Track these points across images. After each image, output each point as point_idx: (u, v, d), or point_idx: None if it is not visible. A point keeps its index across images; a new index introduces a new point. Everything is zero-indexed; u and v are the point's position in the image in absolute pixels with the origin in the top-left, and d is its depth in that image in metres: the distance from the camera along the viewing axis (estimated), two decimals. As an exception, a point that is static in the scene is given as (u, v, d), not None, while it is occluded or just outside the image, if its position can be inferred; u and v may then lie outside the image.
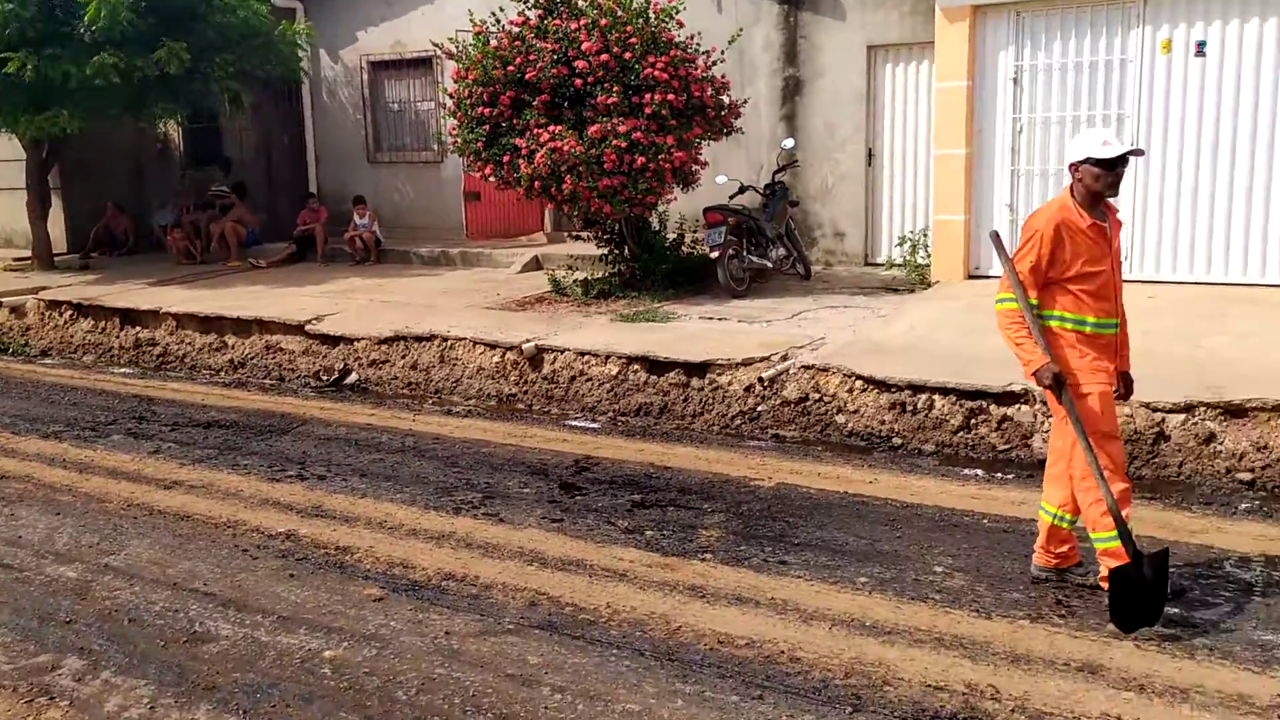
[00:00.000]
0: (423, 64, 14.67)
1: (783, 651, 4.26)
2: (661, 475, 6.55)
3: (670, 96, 9.72)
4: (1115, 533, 4.38)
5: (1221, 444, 6.30)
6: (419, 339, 9.35)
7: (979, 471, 6.44)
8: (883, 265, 11.42)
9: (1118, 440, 4.54)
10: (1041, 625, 4.40)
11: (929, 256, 10.51)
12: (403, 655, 4.38)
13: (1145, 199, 9.43)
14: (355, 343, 9.62)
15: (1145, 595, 4.26)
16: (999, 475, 6.33)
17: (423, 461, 6.99)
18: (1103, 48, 9.44)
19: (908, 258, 10.85)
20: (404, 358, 9.29)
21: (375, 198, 14.85)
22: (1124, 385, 4.70)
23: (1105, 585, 4.47)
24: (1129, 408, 6.54)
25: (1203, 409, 6.46)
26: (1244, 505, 5.77)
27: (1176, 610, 4.48)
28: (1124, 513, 4.39)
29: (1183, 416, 6.46)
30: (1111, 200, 4.56)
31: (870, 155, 11.57)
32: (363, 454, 7.22)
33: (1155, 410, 6.53)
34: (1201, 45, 9.03)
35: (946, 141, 10.05)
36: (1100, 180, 4.39)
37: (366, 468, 6.89)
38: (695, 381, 7.98)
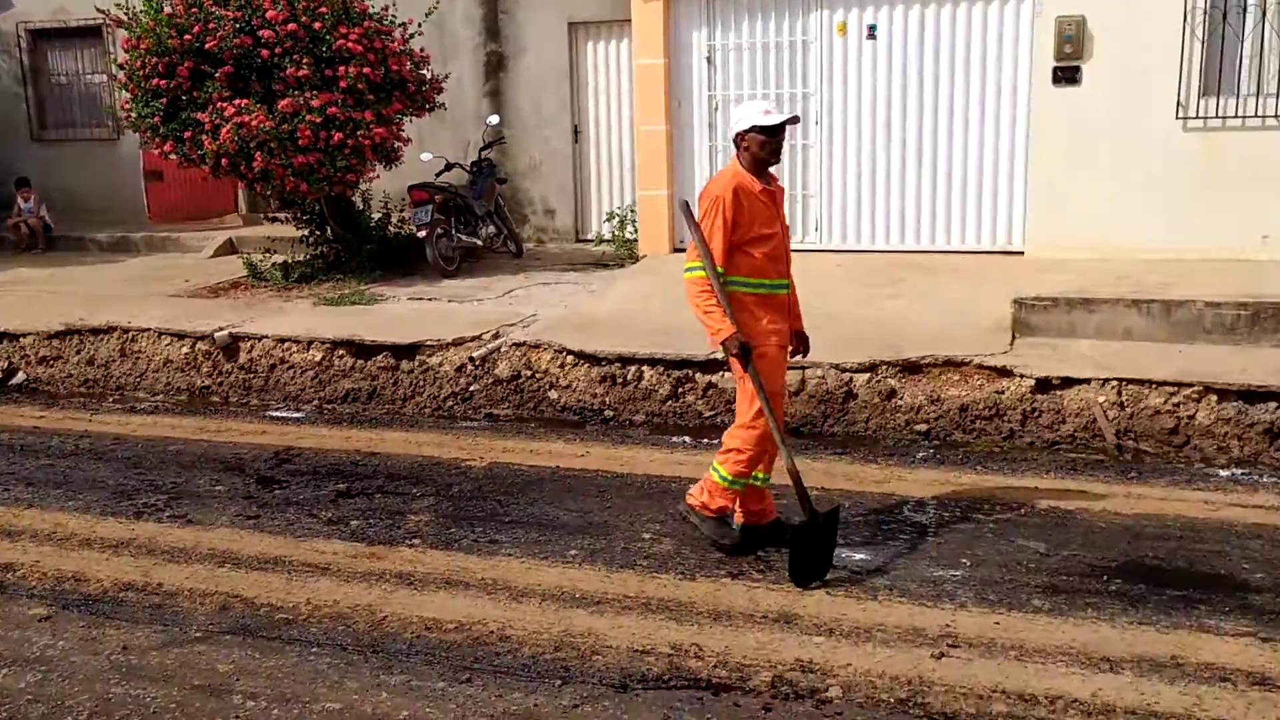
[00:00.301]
0: (91, 33, 13.39)
1: (492, 631, 4.19)
2: (369, 462, 6.30)
3: (366, 70, 9.36)
4: (740, 482, 4.71)
5: (901, 399, 6.77)
6: (96, 332, 8.54)
7: (687, 438, 6.62)
8: (593, 241, 11.55)
9: (782, 397, 4.84)
10: (742, 581, 4.56)
11: (637, 232, 10.71)
12: (73, 677, 3.96)
13: (830, 173, 10.01)
14: (21, 339, 8.66)
15: (819, 550, 4.52)
16: (705, 440, 6.52)
17: (100, 465, 6.38)
18: (786, 29, 9.92)
19: (617, 233, 11.02)
20: (79, 353, 8.46)
21: (43, 180, 13.43)
22: (801, 343, 4.95)
23: (689, 503, 4.84)
24: (821, 370, 6.92)
25: (884, 367, 6.93)
26: (921, 454, 6.23)
27: (862, 556, 4.77)
28: (760, 468, 4.77)
29: (868, 375, 6.90)
30: (772, 169, 4.78)
31: (577, 132, 11.64)
32: (28, 460, 6.50)
33: (844, 370, 6.94)
34: (873, 29, 9.66)
35: (647, 118, 10.26)
36: (765, 147, 4.60)
37: (33, 475, 6.21)
38: (405, 364, 7.75)
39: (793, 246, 10.28)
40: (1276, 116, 8.57)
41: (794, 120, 4.72)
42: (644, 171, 10.38)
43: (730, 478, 4.72)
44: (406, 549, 5.03)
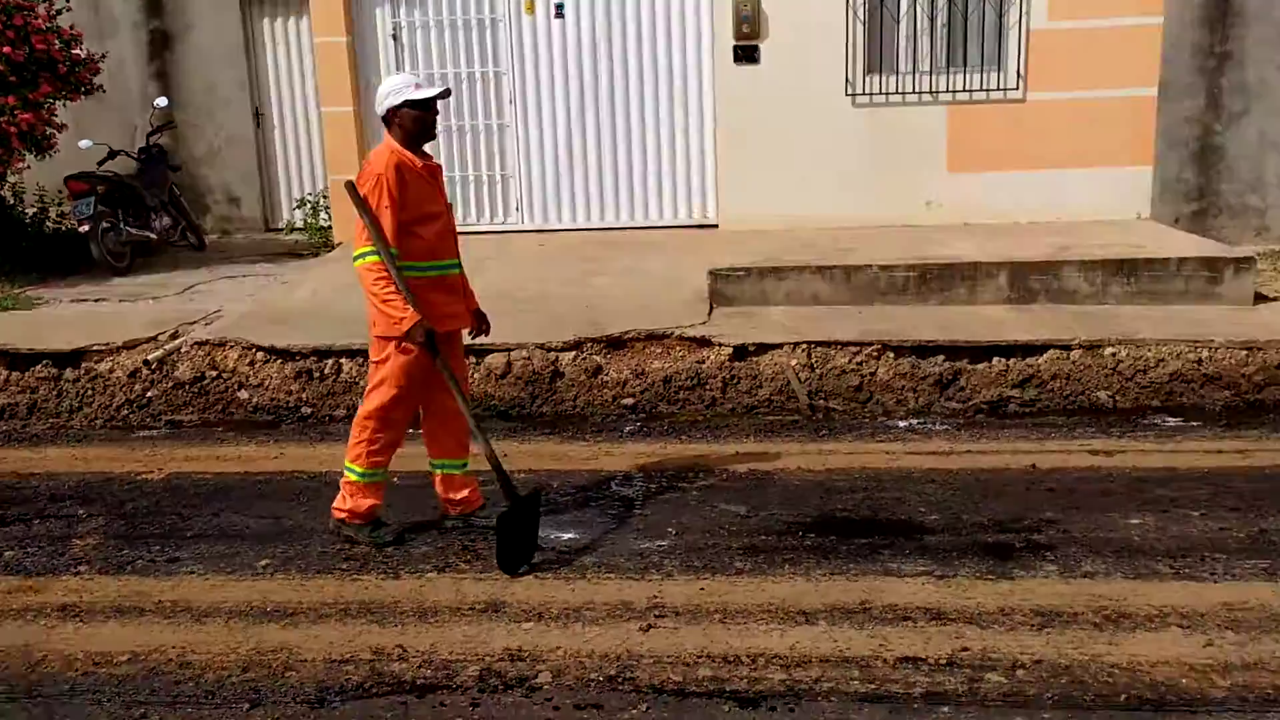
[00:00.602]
0: None
1: (171, 659, 3.81)
2: (26, 485, 5.62)
3: (6, 49, 8.38)
4: (378, 474, 4.61)
5: (608, 375, 6.80)
6: None
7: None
8: (284, 230, 10.95)
9: (467, 381, 4.75)
10: (448, 575, 4.39)
11: (331, 218, 10.21)
12: None
13: (527, 153, 9.93)
14: None
15: (525, 535, 4.44)
16: (411, 431, 6.25)
17: None
18: (474, 6, 9.71)
19: (309, 220, 10.47)
20: None
21: None
22: (481, 321, 4.84)
23: (338, 516, 4.67)
24: (527, 350, 6.84)
25: (590, 345, 6.94)
26: (628, 428, 6.27)
27: (571, 535, 4.72)
28: (380, 460, 4.64)
29: (573, 353, 6.89)
30: (426, 147, 4.62)
31: (259, 115, 10.96)
32: None
33: (550, 350, 6.90)
34: (560, 7, 9.63)
35: (333, 99, 9.78)
36: (419, 122, 4.44)
37: None
38: (70, 372, 7.00)
39: (494, 228, 10.25)
40: (931, 93, 9.28)
41: (445, 94, 4.58)
42: (334, 155, 9.89)
43: (368, 472, 4.58)
44: (71, 577, 4.50)
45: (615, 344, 6.96)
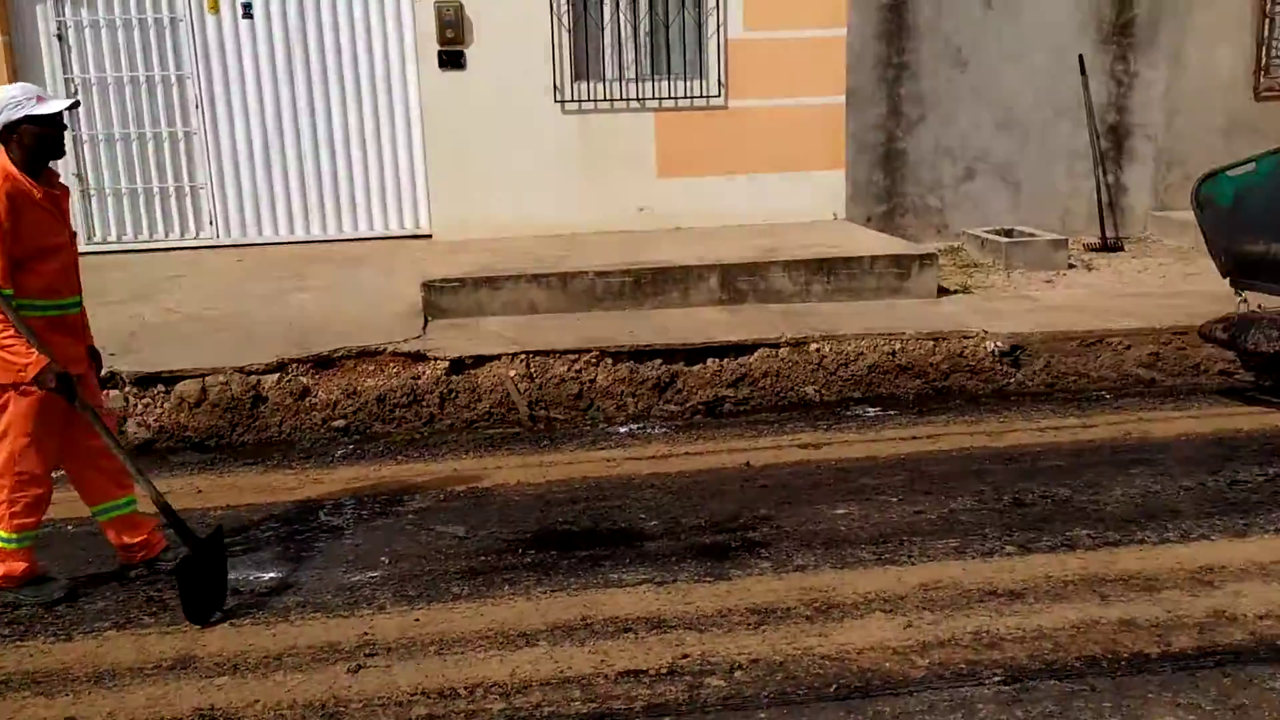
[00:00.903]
0: None
1: None
2: None
3: None
4: (28, 535, 4.15)
5: (316, 396, 6.42)
6: None
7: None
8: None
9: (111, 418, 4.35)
10: (130, 631, 3.93)
11: None
12: None
13: (220, 162, 9.27)
14: None
15: (211, 579, 4.06)
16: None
17: None
18: (150, 5, 8.95)
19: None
20: None
21: None
22: (95, 360, 4.41)
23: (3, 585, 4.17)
24: (224, 375, 6.36)
25: (295, 365, 6.54)
26: (340, 452, 5.93)
27: (273, 574, 4.36)
28: (28, 521, 4.13)
29: (277, 375, 6.47)
30: (53, 166, 4.16)
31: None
32: None
33: (250, 373, 6.44)
34: (248, 7, 9.03)
35: (-9, 103, 8.75)
36: (43, 140, 3.97)
37: None
38: None
39: (185, 244, 9.54)
40: (639, 100, 9.41)
41: (75, 106, 4.16)
42: None
43: (13, 537, 4.09)
44: None
45: (324, 363, 6.59)
